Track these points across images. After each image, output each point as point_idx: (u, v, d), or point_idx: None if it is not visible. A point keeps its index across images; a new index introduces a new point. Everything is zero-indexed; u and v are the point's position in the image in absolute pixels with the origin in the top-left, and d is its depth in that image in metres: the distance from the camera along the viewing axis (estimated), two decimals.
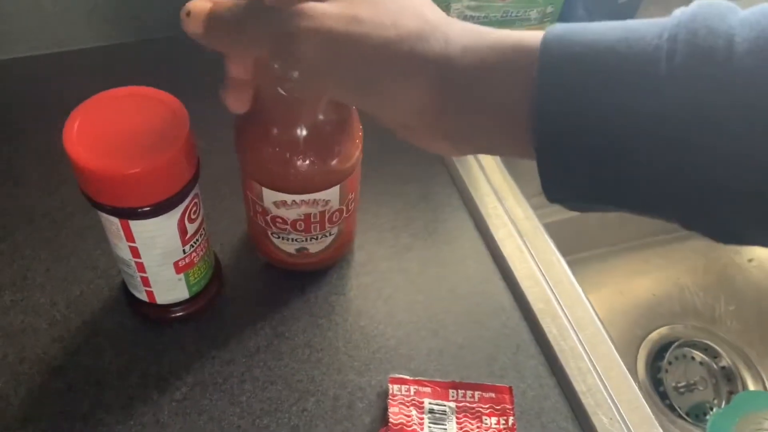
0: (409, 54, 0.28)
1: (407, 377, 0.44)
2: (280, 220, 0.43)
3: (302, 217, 0.43)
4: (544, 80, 0.26)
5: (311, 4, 0.29)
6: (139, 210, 0.37)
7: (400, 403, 0.43)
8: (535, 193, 0.72)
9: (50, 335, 0.45)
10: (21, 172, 0.54)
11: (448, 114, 0.29)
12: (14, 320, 0.46)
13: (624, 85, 0.25)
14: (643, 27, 0.25)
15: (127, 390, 0.43)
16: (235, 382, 0.44)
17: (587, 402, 0.44)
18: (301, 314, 0.48)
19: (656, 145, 0.24)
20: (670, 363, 0.71)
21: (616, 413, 0.44)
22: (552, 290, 0.49)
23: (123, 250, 0.40)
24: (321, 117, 0.39)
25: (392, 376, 0.44)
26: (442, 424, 0.43)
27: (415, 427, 0.42)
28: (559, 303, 0.48)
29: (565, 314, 0.48)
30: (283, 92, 0.36)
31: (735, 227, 0.25)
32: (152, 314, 0.46)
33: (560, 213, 0.72)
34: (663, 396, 0.69)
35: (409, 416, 0.43)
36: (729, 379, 0.71)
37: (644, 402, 0.44)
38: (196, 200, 0.40)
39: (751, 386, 0.70)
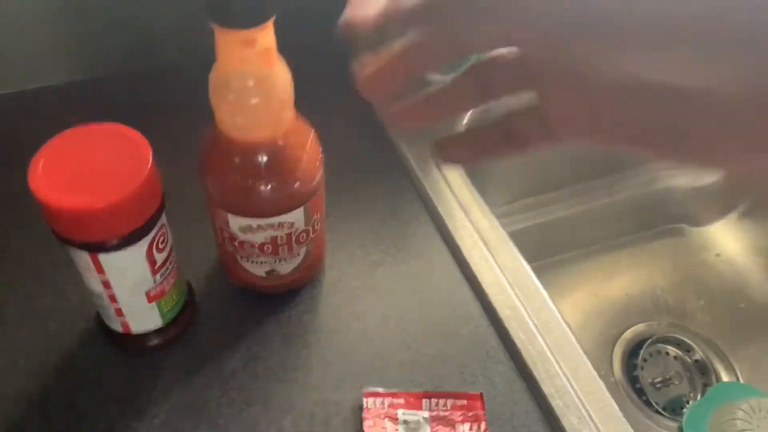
0: None
1: (381, 390, 0.45)
2: (248, 244, 0.45)
3: (269, 240, 0.44)
4: None
5: None
6: (107, 243, 0.38)
7: (375, 416, 0.44)
8: (500, 203, 0.74)
9: (27, 370, 0.46)
10: None
11: None
12: None
13: None
14: None
15: (105, 419, 0.44)
16: (212, 406, 0.45)
17: (556, 404, 0.45)
18: (275, 335, 0.49)
19: None
20: (645, 360, 0.73)
21: (584, 413, 0.45)
22: (518, 296, 0.50)
23: (94, 283, 0.41)
24: (280, 142, 0.40)
25: (366, 390, 0.45)
26: None
27: None
28: (525, 308, 0.50)
29: (532, 319, 0.49)
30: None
31: None
32: (128, 344, 0.47)
33: (527, 220, 0.74)
34: (640, 392, 0.70)
35: (384, 428, 0.44)
36: (703, 372, 0.73)
37: (612, 400, 0.46)
38: (163, 230, 0.41)
39: (725, 377, 0.72)
